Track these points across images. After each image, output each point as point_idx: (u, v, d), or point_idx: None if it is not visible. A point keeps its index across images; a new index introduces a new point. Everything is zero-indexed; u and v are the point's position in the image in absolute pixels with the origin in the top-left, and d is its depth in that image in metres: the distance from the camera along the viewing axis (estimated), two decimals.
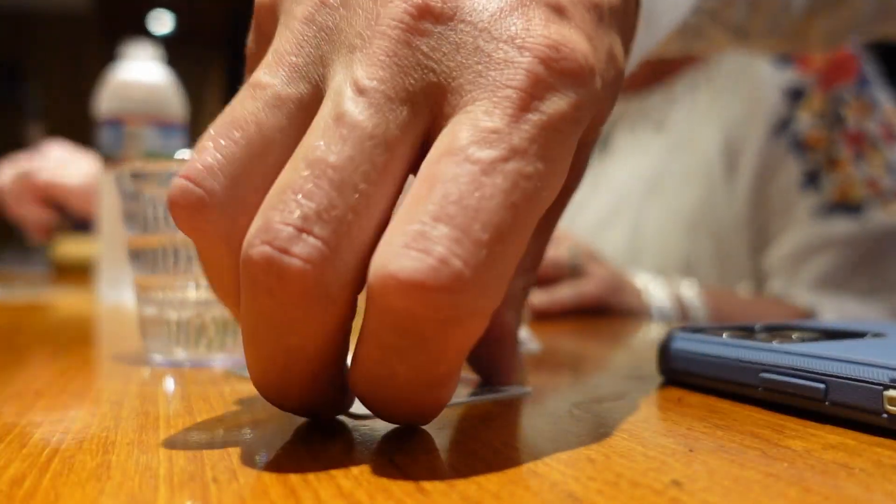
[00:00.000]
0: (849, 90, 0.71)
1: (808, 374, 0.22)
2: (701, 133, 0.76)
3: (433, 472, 0.18)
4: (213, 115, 0.20)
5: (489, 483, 0.17)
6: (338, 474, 0.17)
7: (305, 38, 0.20)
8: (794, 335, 0.26)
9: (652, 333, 0.47)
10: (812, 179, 0.70)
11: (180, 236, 0.31)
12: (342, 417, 0.23)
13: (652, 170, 0.77)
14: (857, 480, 0.17)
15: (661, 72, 0.82)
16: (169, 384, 0.29)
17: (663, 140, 0.78)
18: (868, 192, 0.69)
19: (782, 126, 0.72)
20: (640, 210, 0.76)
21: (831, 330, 0.28)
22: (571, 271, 0.57)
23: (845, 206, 0.69)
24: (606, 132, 0.84)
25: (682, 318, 0.61)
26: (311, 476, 0.17)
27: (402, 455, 0.19)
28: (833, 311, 0.65)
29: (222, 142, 0.19)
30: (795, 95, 0.72)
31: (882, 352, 0.22)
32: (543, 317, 0.58)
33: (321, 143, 0.18)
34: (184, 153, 0.71)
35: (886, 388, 0.20)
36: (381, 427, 0.22)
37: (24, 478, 0.17)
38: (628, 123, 0.82)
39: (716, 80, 0.77)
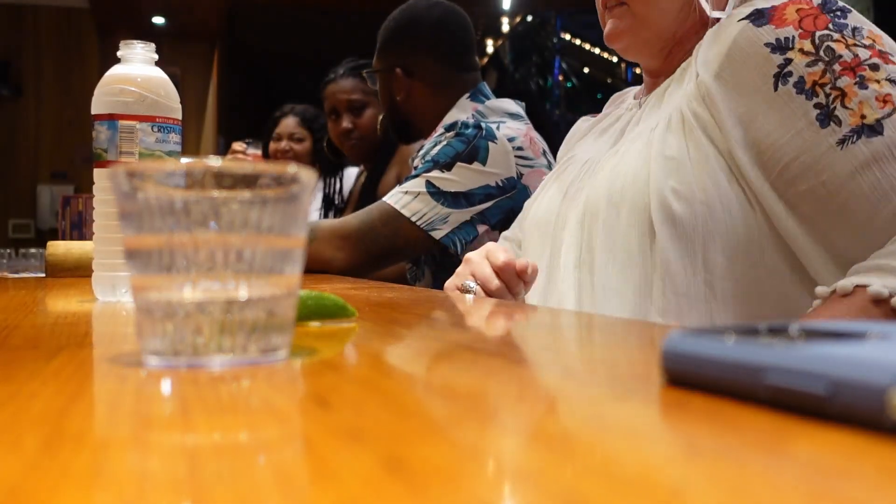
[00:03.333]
0: (829, 31, 0.74)
1: (812, 376, 0.22)
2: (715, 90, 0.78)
3: (434, 471, 0.17)
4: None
5: (489, 482, 0.17)
6: (338, 474, 0.17)
7: None
8: (798, 336, 0.26)
9: (655, 335, 0.47)
10: (828, 116, 0.71)
11: (177, 237, 0.31)
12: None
13: (676, 111, 0.80)
14: (861, 482, 0.17)
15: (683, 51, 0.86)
16: (165, 386, 0.28)
17: (687, 89, 0.81)
18: (883, 110, 0.70)
19: (782, 73, 0.74)
20: (659, 141, 0.77)
21: (835, 331, 0.27)
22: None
23: (866, 127, 0.70)
24: (641, 99, 0.90)
25: None
26: (310, 476, 0.17)
27: (403, 454, 0.19)
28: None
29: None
30: (783, 45, 0.74)
31: (886, 353, 0.22)
32: None
33: None
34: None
35: (890, 389, 0.20)
36: (382, 426, 0.22)
37: (21, 480, 0.17)
38: (660, 91, 0.86)
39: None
